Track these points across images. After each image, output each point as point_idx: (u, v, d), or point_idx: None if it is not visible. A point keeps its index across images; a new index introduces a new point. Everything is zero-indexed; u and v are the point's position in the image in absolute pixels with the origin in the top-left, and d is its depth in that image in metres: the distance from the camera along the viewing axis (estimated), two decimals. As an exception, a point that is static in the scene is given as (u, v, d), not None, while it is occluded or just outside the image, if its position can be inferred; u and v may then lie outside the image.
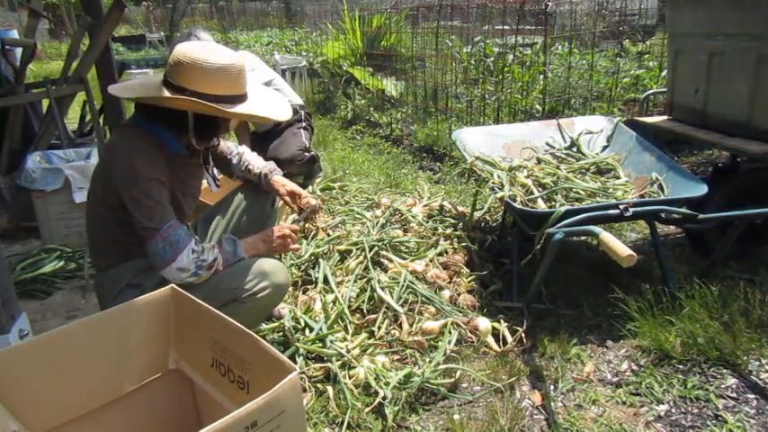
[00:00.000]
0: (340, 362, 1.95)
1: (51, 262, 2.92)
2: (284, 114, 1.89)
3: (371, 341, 2.09)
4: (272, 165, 2.23)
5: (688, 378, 1.87)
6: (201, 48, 1.71)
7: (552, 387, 1.90)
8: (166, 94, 1.67)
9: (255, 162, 2.20)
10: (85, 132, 4.43)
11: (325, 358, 1.98)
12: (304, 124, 3.86)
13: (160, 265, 1.67)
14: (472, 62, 5.57)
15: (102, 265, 1.86)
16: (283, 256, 2.52)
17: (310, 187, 3.46)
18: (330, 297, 2.31)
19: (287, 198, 2.17)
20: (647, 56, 5.86)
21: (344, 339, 2.08)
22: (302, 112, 3.86)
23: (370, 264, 2.42)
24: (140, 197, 1.65)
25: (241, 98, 1.77)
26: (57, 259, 2.94)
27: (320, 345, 2.02)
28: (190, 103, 1.67)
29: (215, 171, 2.08)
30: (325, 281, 2.42)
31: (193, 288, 1.65)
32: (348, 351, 1.99)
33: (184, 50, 1.69)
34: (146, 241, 1.67)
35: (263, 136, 3.85)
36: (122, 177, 1.66)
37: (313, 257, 2.59)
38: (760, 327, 1.99)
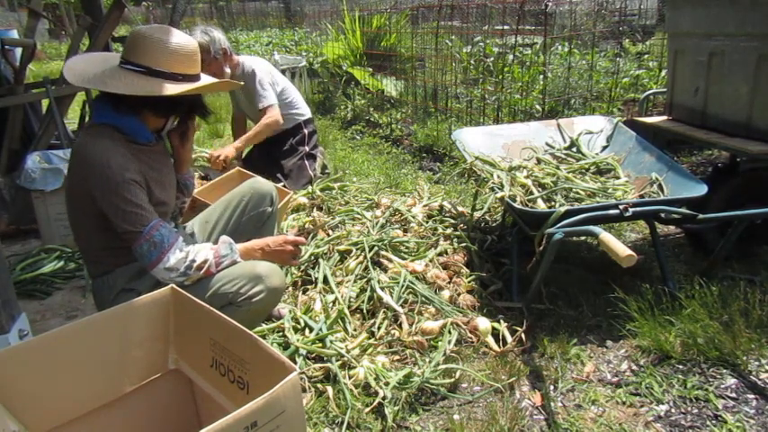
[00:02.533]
0: (340, 362, 1.95)
1: (51, 262, 2.91)
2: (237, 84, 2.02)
3: (371, 341, 2.09)
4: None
5: (688, 378, 1.87)
6: (159, 30, 1.72)
7: (552, 387, 1.90)
8: (168, 86, 1.67)
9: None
10: (85, 132, 4.42)
11: (325, 358, 1.98)
12: (307, 149, 3.84)
13: (148, 266, 1.67)
14: (472, 62, 5.57)
15: (95, 272, 1.84)
16: None
17: (310, 187, 3.47)
18: (330, 297, 2.31)
19: None
20: (646, 56, 5.86)
21: (344, 339, 2.08)
22: (305, 130, 3.85)
23: (369, 264, 2.42)
24: (118, 202, 1.62)
25: (198, 77, 1.81)
26: (56, 259, 2.94)
27: (320, 345, 2.02)
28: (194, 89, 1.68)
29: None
30: (325, 281, 2.42)
31: (189, 292, 1.64)
32: (348, 351, 1.99)
33: (143, 34, 1.69)
34: (131, 245, 1.66)
35: (268, 144, 3.84)
36: (96, 184, 1.63)
37: (313, 257, 2.59)
38: (760, 327, 1.99)
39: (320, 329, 2.08)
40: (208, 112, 1.95)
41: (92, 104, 3.95)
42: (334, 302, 2.28)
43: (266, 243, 1.92)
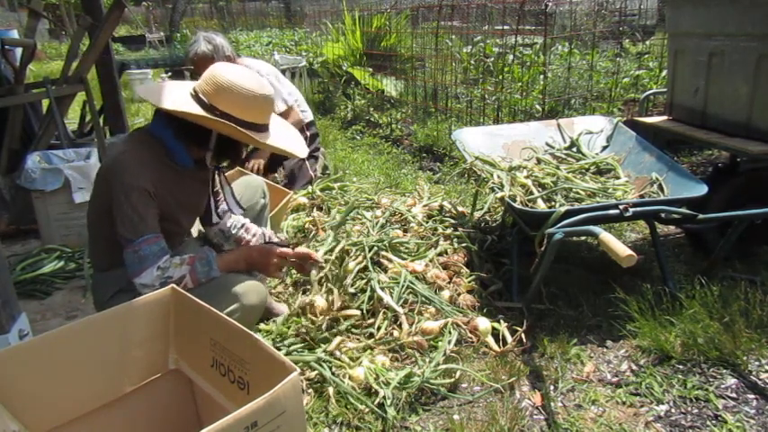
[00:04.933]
0: (323, 367, 1.93)
1: (51, 262, 2.91)
2: (304, 151, 1.92)
3: (371, 341, 2.09)
4: (268, 232, 2.20)
5: (688, 378, 1.87)
6: (239, 72, 1.71)
7: (552, 387, 1.90)
8: (200, 111, 1.67)
9: (252, 226, 2.18)
10: (85, 132, 4.43)
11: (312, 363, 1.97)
12: (308, 150, 3.85)
13: (129, 275, 1.68)
14: (472, 62, 5.58)
15: (98, 265, 1.87)
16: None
17: (310, 187, 3.47)
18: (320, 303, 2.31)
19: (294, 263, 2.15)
20: (646, 56, 5.86)
21: (342, 343, 2.08)
22: (308, 132, 3.86)
23: (369, 264, 2.41)
24: (124, 203, 1.64)
25: (266, 127, 1.79)
26: (56, 259, 2.94)
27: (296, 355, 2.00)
28: (229, 129, 1.66)
29: (235, 197, 2.04)
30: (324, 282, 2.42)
31: None
32: (331, 354, 1.97)
33: (222, 73, 1.69)
34: (122, 247, 1.68)
35: None
36: (114, 179, 1.66)
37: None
38: (760, 327, 1.99)
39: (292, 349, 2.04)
40: (239, 160, 1.92)
41: (92, 105, 3.95)
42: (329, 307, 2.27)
43: (250, 254, 1.90)
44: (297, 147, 1.90)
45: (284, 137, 1.88)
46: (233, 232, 2.13)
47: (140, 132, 1.81)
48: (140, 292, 1.67)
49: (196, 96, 1.70)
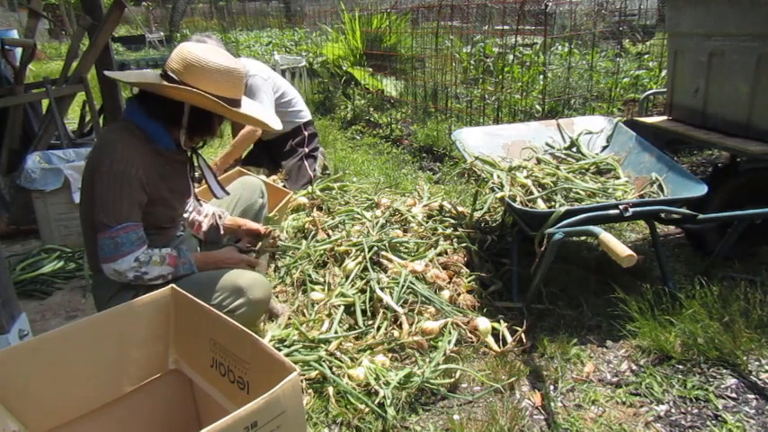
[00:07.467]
0: (323, 367, 1.93)
1: (51, 262, 2.91)
2: (278, 125, 1.94)
3: (371, 341, 2.09)
4: (219, 211, 2.22)
5: (688, 378, 1.87)
6: (205, 49, 1.74)
7: (552, 387, 1.90)
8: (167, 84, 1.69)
9: (205, 206, 2.20)
10: (85, 132, 4.43)
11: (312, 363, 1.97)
12: (306, 150, 3.85)
13: (101, 260, 1.68)
14: (472, 62, 5.58)
15: (96, 266, 1.85)
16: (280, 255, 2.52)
17: (310, 187, 3.46)
18: (317, 296, 2.31)
19: (245, 236, 2.20)
20: (646, 56, 5.87)
21: (341, 344, 2.07)
22: (306, 132, 3.85)
23: (369, 264, 2.41)
24: (106, 188, 1.65)
25: (238, 102, 1.81)
26: (56, 259, 2.94)
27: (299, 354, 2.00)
28: (196, 96, 1.67)
29: (217, 179, 2.04)
30: (322, 282, 2.42)
31: None
32: (331, 354, 1.97)
33: (188, 50, 1.71)
34: (97, 232, 1.68)
35: (268, 145, 3.85)
36: (101, 167, 1.66)
37: (312, 258, 2.59)
38: (760, 327, 1.99)
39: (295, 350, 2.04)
40: (212, 137, 1.94)
41: (92, 105, 3.95)
42: (328, 305, 2.27)
43: (222, 260, 1.94)
44: (271, 119, 1.91)
45: (257, 110, 1.89)
46: (184, 216, 2.14)
47: (121, 121, 1.81)
48: (110, 276, 1.68)
49: (165, 75, 1.72)
